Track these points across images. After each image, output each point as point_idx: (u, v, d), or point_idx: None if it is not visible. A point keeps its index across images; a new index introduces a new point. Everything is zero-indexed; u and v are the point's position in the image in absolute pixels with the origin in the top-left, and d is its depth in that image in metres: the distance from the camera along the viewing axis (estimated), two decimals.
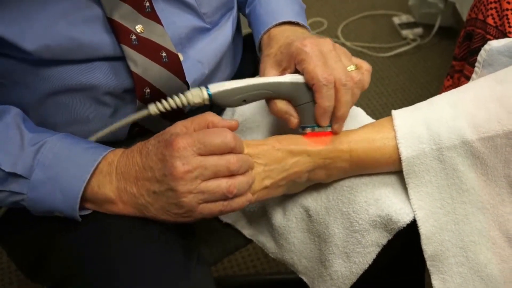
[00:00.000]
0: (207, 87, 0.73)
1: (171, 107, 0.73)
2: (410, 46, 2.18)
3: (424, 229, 0.73)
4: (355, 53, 2.16)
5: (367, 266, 0.76)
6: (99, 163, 0.70)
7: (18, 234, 0.82)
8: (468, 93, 0.75)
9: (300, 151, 0.73)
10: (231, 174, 0.67)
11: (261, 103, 0.85)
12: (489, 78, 0.76)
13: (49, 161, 0.69)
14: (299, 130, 0.76)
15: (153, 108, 0.73)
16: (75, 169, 0.69)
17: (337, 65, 0.73)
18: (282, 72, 0.77)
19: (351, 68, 0.75)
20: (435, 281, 0.74)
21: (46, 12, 0.70)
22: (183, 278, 0.70)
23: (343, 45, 2.20)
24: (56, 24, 0.71)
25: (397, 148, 0.74)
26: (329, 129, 0.75)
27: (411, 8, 2.26)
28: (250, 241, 0.89)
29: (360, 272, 0.77)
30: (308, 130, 0.75)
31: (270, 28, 0.86)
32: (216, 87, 0.73)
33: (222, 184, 0.66)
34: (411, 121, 0.74)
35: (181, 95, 0.73)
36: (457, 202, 0.73)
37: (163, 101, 0.72)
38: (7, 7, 0.69)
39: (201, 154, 0.66)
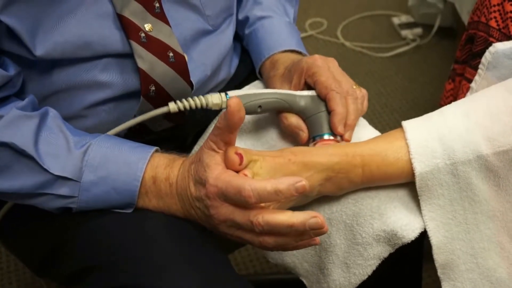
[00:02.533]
0: (226, 93, 0.79)
1: (190, 107, 0.78)
2: (409, 46, 2.18)
3: (435, 240, 0.73)
4: (354, 53, 2.17)
5: (366, 277, 0.77)
6: (160, 181, 0.72)
7: (24, 232, 0.82)
8: (480, 103, 0.75)
9: (314, 164, 0.72)
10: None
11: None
12: (500, 87, 0.76)
13: (97, 162, 0.71)
14: (310, 142, 0.80)
15: (173, 106, 0.77)
16: (126, 168, 0.72)
17: (343, 79, 0.80)
18: (292, 89, 0.82)
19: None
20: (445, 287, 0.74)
21: (59, 8, 0.71)
22: (206, 267, 0.70)
23: (342, 45, 2.20)
24: (67, 21, 0.72)
25: (410, 163, 0.73)
26: (338, 138, 0.79)
27: (411, 8, 2.26)
28: None
29: (358, 283, 0.77)
30: (318, 139, 0.79)
31: (273, 54, 0.90)
32: (234, 92, 0.79)
33: (255, 239, 0.67)
34: (424, 135, 0.73)
35: (201, 96, 0.78)
36: (468, 213, 0.73)
37: (184, 100, 0.78)
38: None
39: (228, 203, 0.67)
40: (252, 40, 0.94)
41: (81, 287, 0.75)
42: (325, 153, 0.73)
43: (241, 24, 0.96)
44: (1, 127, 0.70)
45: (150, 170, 0.73)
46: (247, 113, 0.77)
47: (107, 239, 0.73)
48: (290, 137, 0.83)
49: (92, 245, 0.74)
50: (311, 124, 0.80)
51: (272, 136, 0.85)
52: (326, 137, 0.78)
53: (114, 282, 0.69)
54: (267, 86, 0.89)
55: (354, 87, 0.81)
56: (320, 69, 0.80)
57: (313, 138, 0.79)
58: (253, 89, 0.80)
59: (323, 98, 0.80)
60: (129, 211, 0.73)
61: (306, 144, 0.80)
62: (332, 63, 0.82)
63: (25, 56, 0.72)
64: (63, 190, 0.71)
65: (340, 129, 0.78)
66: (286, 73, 0.84)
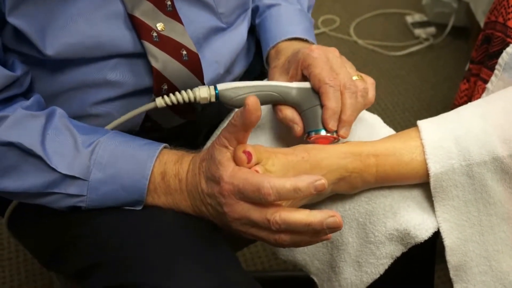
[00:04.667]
0: (215, 86, 0.76)
1: (178, 102, 0.75)
2: (422, 45, 2.17)
3: (448, 241, 0.73)
4: (367, 51, 2.16)
5: (377, 276, 0.76)
6: (169, 177, 0.72)
7: (35, 225, 0.82)
8: (496, 105, 0.74)
9: (327, 163, 0.71)
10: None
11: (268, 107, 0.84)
12: None
13: (105, 160, 0.71)
14: (304, 137, 0.76)
15: (160, 101, 0.76)
16: (134, 166, 0.71)
17: (342, 70, 0.75)
18: (290, 80, 0.79)
19: (355, 78, 0.76)
20: None
21: (69, 9, 0.71)
22: (216, 267, 0.70)
23: (355, 43, 2.20)
24: (76, 21, 0.71)
25: (425, 163, 0.72)
26: (335, 135, 0.75)
27: (424, 7, 2.25)
28: None
29: (370, 282, 0.77)
30: (313, 134, 0.75)
31: (278, 43, 0.87)
32: (224, 85, 0.76)
33: (270, 237, 0.67)
34: (440, 135, 0.73)
35: (189, 90, 0.76)
36: (483, 215, 0.72)
37: (171, 95, 0.76)
38: (33, 0, 0.69)
39: (244, 200, 0.66)
40: (261, 30, 0.92)
41: (88, 283, 0.75)
42: (339, 152, 0.72)
43: (253, 14, 0.94)
44: (8, 127, 0.70)
45: (158, 166, 0.72)
46: (237, 107, 0.75)
47: (115, 236, 0.73)
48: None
49: (100, 242, 0.73)
50: (306, 118, 0.76)
51: (286, 132, 0.84)
52: (322, 133, 0.74)
53: (122, 279, 0.69)
54: (269, 77, 0.85)
55: (356, 78, 0.76)
56: (315, 60, 0.75)
57: (308, 133, 0.76)
58: (245, 81, 0.77)
59: (316, 92, 0.75)
60: (139, 208, 0.73)
61: (301, 138, 0.77)
62: (332, 53, 0.77)
63: (35, 55, 0.72)
64: (71, 189, 0.71)
65: (331, 125, 0.74)
66: (286, 64, 0.81)
